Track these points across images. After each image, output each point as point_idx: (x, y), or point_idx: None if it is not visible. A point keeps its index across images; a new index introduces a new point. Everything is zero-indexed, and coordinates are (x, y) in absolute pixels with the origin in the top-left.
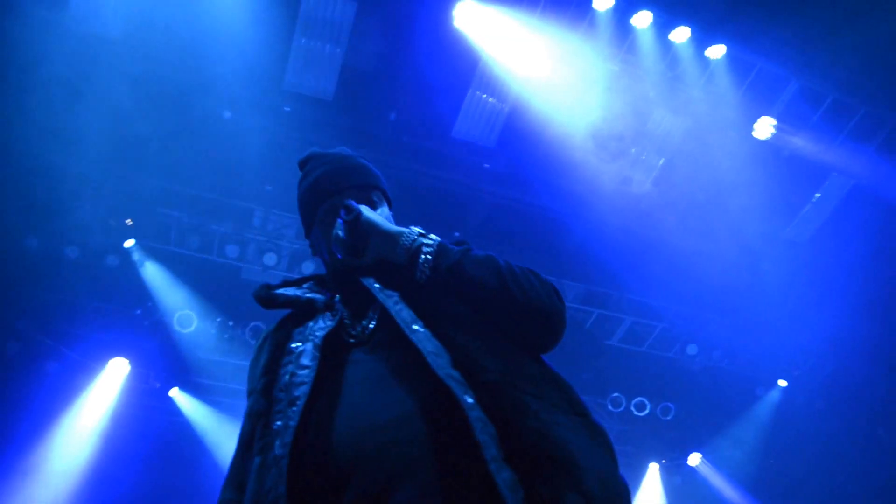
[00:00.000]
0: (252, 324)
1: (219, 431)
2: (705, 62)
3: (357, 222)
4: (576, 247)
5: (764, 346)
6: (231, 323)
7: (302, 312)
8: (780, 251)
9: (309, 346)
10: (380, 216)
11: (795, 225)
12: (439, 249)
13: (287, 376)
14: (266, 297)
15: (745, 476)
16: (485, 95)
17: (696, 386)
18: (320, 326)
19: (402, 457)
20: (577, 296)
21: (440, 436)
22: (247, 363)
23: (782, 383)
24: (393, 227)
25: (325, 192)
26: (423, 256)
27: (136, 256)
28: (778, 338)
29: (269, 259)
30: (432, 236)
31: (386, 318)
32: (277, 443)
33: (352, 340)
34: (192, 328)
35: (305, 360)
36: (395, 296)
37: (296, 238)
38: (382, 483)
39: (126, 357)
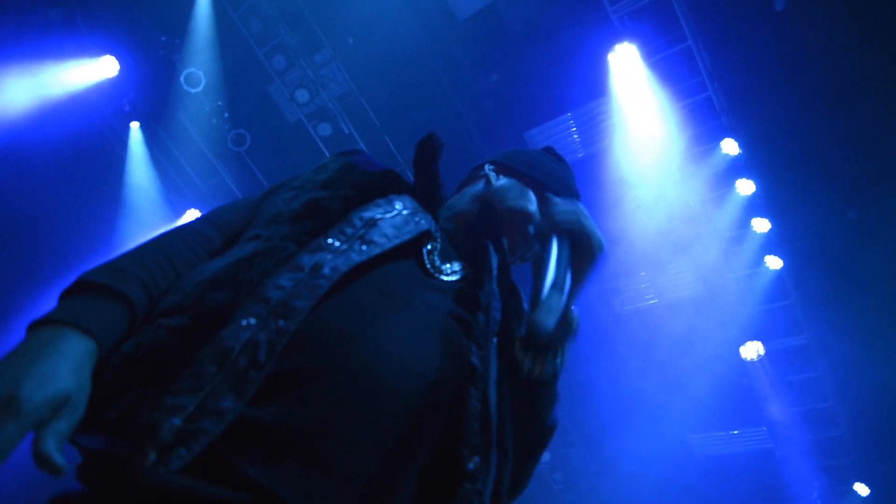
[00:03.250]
0: (241, 130)
1: (141, 185)
2: (759, 262)
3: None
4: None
5: (599, 495)
6: (227, 115)
7: (418, 193)
8: (672, 445)
9: (411, 218)
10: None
11: (701, 438)
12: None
13: (372, 214)
14: (429, 153)
15: None
16: (574, 128)
17: None
18: (427, 220)
19: (423, 416)
20: None
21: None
22: (212, 157)
23: None
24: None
25: (559, 181)
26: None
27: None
28: (617, 495)
29: (302, 95)
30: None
31: (467, 289)
32: (326, 259)
33: (427, 265)
34: (192, 90)
35: (400, 223)
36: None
37: (336, 98)
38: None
39: (120, 64)
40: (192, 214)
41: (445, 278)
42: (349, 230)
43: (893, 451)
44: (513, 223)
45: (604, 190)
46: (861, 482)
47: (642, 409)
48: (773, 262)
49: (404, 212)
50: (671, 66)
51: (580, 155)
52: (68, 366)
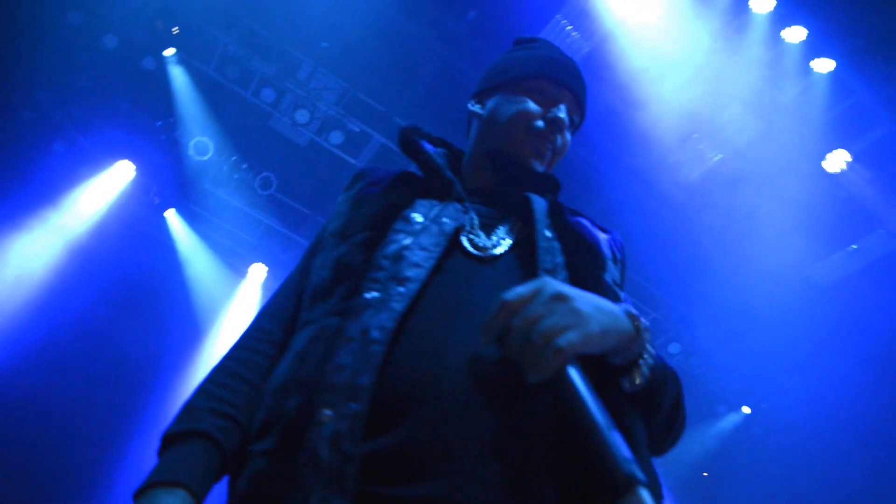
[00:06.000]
0: (265, 173)
1: (199, 263)
2: (807, 72)
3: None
4: (603, 206)
5: (743, 368)
6: (245, 166)
7: (430, 184)
8: (796, 286)
9: (434, 228)
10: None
11: (822, 267)
12: (657, 361)
13: (396, 246)
14: (411, 143)
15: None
16: (570, 27)
17: None
18: (450, 215)
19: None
20: None
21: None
22: (248, 209)
23: (746, 410)
24: (610, 307)
25: (555, 74)
26: (644, 361)
27: (172, 68)
28: (760, 365)
29: (302, 116)
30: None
31: (523, 251)
32: (371, 319)
33: (472, 250)
34: (205, 157)
35: (426, 241)
36: (560, 255)
37: (334, 104)
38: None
39: (134, 164)
40: (257, 269)
41: (497, 251)
42: (381, 274)
43: None
44: (518, 134)
45: (623, 73)
46: None
47: (753, 260)
48: (823, 65)
49: (426, 222)
50: None
51: (586, 50)
52: None
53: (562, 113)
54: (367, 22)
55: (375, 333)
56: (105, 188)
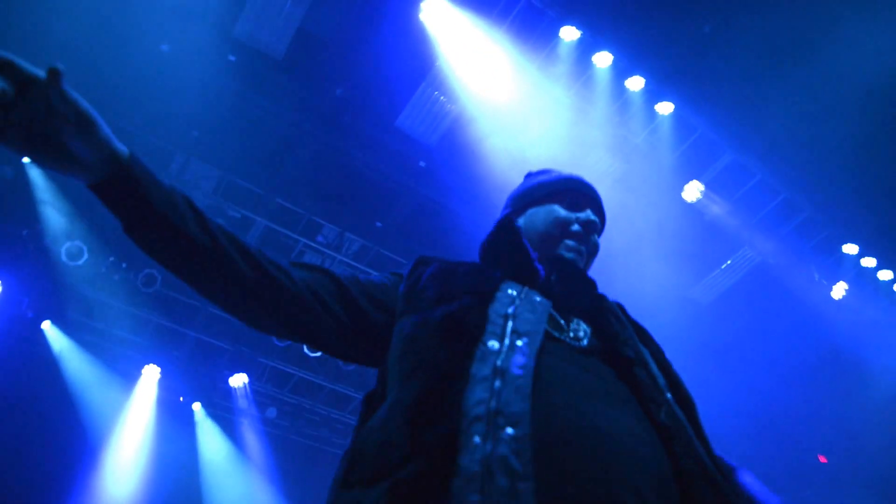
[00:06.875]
0: (146, 270)
1: (85, 373)
2: (652, 115)
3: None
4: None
5: None
6: (125, 265)
7: (515, 271)
8: (679, 309)
9: (530, 301)
10: None
11: (701, 286)
12: None
13: (503, 308)
14: (512, 234)
15: None
16: (436, 93)
17: None
18: (538, 296)
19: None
20: None
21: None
22: (133, 309)
23: None
24: None
25: (575, 187)
26: None
27: (32, 174)
28: None
29: None
30: None
31: (604, 341)
32: (505, 362)
33: (556, 333)
34: (80, 261)
35: (530, 309)
36: (640, 345)
37: (211, 193)
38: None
39: (0, 278)
40: (150, 370)
41: (583, 343)
42: (497, 330)
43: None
44: (557, 237)
45: (490, 131)
46: (847, 243)
47: (637, 291)
48: (664, 108)
49: (522, 297)
50: None
51: (454, 113)
52: None
53: (593, 216)
54: (236, 108)
55: (517, 370)
56: None
